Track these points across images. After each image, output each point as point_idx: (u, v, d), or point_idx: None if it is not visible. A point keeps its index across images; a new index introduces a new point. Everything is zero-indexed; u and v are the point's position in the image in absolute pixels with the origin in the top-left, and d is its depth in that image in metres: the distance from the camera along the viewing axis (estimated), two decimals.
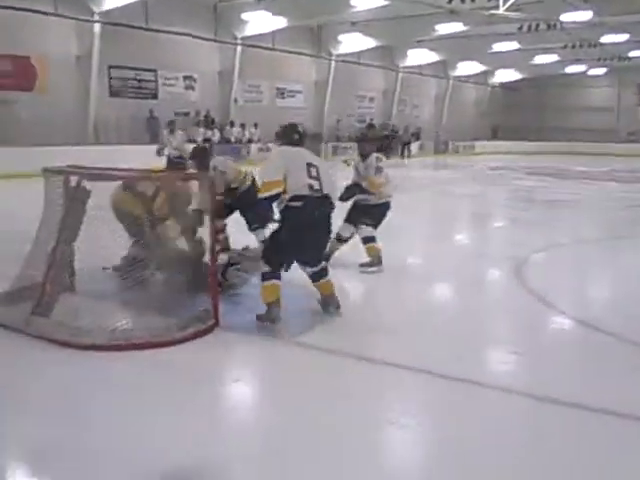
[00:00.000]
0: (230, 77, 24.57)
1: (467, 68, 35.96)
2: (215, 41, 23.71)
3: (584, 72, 36.83)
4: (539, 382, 3.98)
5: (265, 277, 4.87)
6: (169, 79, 22.70)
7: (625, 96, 38.35)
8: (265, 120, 24.87)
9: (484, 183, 18.73)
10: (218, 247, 5.25)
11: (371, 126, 7.54)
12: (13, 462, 3.05)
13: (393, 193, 6.92)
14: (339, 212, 5.40)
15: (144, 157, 11.17)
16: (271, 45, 25.30)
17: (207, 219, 4.92)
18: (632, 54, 30.05)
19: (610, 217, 11.84)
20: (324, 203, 4.93)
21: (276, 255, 4.89)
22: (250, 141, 24.50)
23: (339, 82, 29.15)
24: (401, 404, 3.72)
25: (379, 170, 6.64)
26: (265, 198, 4.81)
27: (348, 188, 6.70)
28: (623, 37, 25.82)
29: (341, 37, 27.37)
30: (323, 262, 5.18)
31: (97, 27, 19.51)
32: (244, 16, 22.90)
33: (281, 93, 27.51)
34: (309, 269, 5.09)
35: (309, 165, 4.92)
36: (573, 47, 26.74)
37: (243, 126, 24.63)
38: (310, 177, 4.87)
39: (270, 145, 22.74)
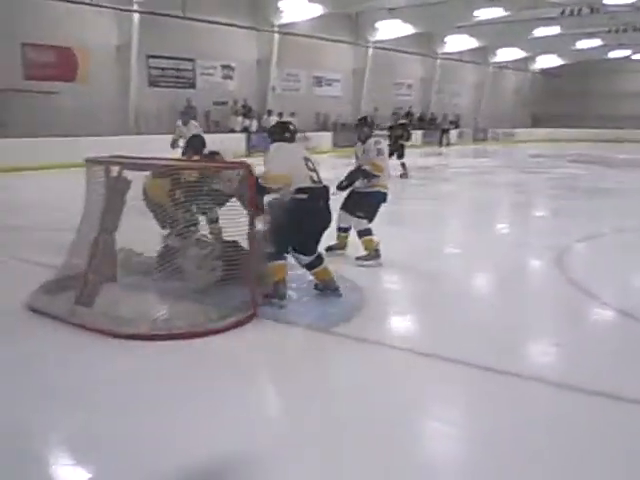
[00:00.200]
0: (268, 66, 24.58)
1: (507, 54, 35.38)
2: (253, 29, 23.74)
3: (628, 57, 35.94)
4: (581, 374, 3.91)
5: (271, 258, 5.03)
6: (207, 68, 22.81)
7: None
8: (302, 109, 24.89)
9: (524, 171, 18.44)
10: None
11: (364, 119, 7.50)
12: (55, 451, 3.10)
13: (388, 183, 6.68)
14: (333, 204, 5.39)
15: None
16: (308, 33, 25.24)
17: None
18: None
19: None
20: (326, 193, 5.13)
21: (282, 240, 5.03)
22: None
23: (377, 70, 28.96)
24: (439, 396, 3.69)
25: (380, 152, 6.49)
26: (264, 190, 4.98)
27: (351, 173, 6.55)
28: None
29: (379, 24, 27.15)
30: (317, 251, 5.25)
31: (136, 17, 19.69)
32: (281, 4, 22.88)
33: (318, 82, 27.45)
34: (305, 258, 5.17)
35: (306, 159, 5.15)
36: (617, 31, 26.13)
37: (280, 115, 24.63)
38: (309, 169, 5.09)
39: (308, 134, 22.74)
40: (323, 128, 26.66)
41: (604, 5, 21.81)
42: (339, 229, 6.68)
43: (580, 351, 4.38)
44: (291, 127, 5.42)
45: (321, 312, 4.98)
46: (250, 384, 3.78)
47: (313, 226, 5.11)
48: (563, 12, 22.74)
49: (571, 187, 14.48)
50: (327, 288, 5.29)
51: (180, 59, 21.84)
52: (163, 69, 21.49)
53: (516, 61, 37.19)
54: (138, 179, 5.19)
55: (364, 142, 6.60)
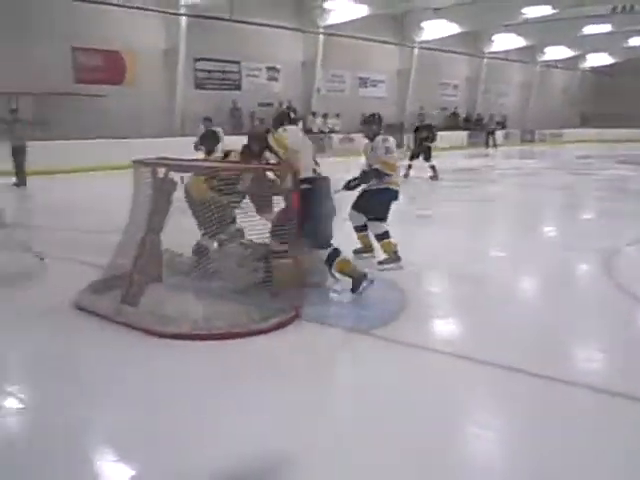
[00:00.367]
0: (313, 67, 24.69)
1: (555, 53, 34.78)
2: (298, 31, 23.86)
3: None
4: (627, 381, 3.81)
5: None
6: (252, 70, 23.02)
7: None
8: (347, 110, 24.91)
9: (571, 172, 18.09)
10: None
11: (373, 116, 7.42)
12: (100, 447, 3.16)
13: (399, 180, 6.57)
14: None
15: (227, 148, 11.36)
16: (353, 34, 25.24)
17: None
18: None
19: None
20: (328, 183, 5.26)
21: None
22: (332, 132, 24.55)
23: (422, 70, 28.80)
24: (481, 400, 3.65)
25: (388, 150, 6.34)
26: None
27: (364, 174, 6.44)
28: None
29: (424, 24, 27.00)
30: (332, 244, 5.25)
31: (183, 20, 19.99)
32: (327, 5, 22.93)
33: (364, 83, 27.45)
34: (322, 252, 5.20)
35: (314, 149, 5.38)
36: None
37: (325, 116, 24.72)
38: (315, 162, 5.26)
39: (351, 136, 22.74)
40: None
41: None
42: (355, 229, 6.57)
43: (627, 357, 4.27)
44: (291, 115, 5.65)
45: (362, 314, 4.98)
46: (290, 385, 3.79)
47: (320, 214, 5.12)
48: (614, 9, 22.24)
49: (620, 189, 14.15)
50: (356, 281, 5.19)
51: (226, 61, 22.10)
52: (209, 71, 21.78)
53: (565, 60, 36.51)
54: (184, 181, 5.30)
55: (372, 140, 6.51)
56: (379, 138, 6.42)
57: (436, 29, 27.05)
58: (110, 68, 18.92)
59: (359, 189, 6.49)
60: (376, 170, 6.33)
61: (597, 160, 21.90)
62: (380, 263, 6.34)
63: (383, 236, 6.36)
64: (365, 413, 3.40)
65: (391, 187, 6.41)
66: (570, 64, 38.03)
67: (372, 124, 6.57)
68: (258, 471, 2.89)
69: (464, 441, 3.22)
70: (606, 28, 27.53)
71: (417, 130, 15.71)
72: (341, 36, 24.74)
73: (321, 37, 24.37)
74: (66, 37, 17.65)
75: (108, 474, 2.87)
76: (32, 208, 11.79)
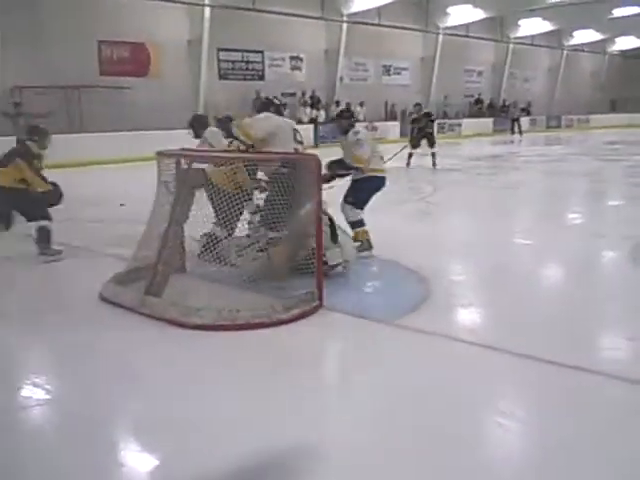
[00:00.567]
0: (336, 55, 24.57)
1: (583, 37, 34.19)
2: (321, 19, 23.75)
3: None
4: None
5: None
6: (275, 60, 22.99)
7: None
8: (370, 98, 24.81)
9: (599, 159, 17.81)
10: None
11: (342, 111, 7.44)
12: (124, 435, 3.20)
13: (382, 167, 6.43)
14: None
15: None
16: (377, 21, 25.06)
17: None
18: None
19: None
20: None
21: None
22: (356, 120, 24.44)
23: (446, 57, 28.52)
24: (509, 391, 3.62)
25: (358, 143, 6.25)
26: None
27: (331, 164, 6.36)
28: None
29: (449, 9, 26.72)
30: None
31: (207, 11, 20.02)
32: None
33: (387, 70, 27.25)
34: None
35: (295, 131, 5.66)
36: None
37: (348, 105, 24.60)
38: (296, 141, 5.55)
39: (375, 124, 22.64)
40: (392, 117, 26.46)
41: None
42: (351, 225, 6.37)
43: None
44: (275, 101, 6.03)
45: (386, 304, 4.97)
46: (314, 375, 3.80)
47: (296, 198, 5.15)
48: None
49: None
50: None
51: (249, 51, 22.10)
52: (233, 62, 21.79)
53: (592, 43, 35.86)
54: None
55: (345, 134, 6.43)
56: (351, 132, 6.39)
57: (461, 15, 26.76)
58: (135, 60, 19.03)
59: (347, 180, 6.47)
60: (341, 161, 6.36)
61: (626, 146, 21.53)
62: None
63: (358, 224, 6.31)
64: (390, 402, 3.39)
65: (376, 175, 6.36)
66: (598, 48, 37.36)
67: (342, 119, 6.60)
68: (282, 460, 2.91)
69: (489, 430, 3.20)
70: (636, 10, 26.97)
71: (414, 121, 15.62)
72: (364, 24, 24.58)
73: (344, 25, 24.23)
74: (92, 31, 17.77)
75: (133, 464, 2.90)
76: None
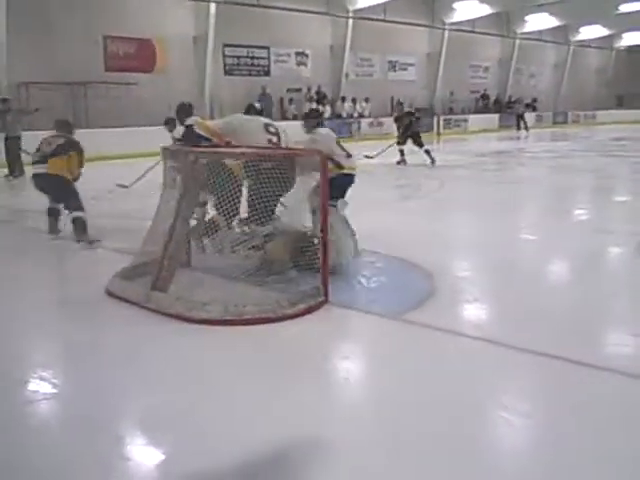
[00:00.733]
0: (341, 51, 24.53)
1: (590, 32, 34.03)
2: (327, 15, 23.71)
3: None
4: None
5: None
6: (281, 55, 22.97)
7: None
8: (376, 94, 24.77)
9: (605, 155, 17.74)
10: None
11: (309, 111, 7.49)
12: (130, 429, 3.21)
13: (351, 165, 6.19)
14: None
15: None
16: (383, 17, 25.00)
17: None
18: None
19: None
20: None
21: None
22: (361, 116, 24.43)
23: (452, 52, 28.45)
24: (513, 386, 3.61)
25: (313, 141, 6.00)
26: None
27: None
28: None
29: (455, 5, 26.66)
30: None
31: (213, 7, 20.00)
32: None
33: (393, 66, 27.19)
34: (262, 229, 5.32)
35: (267, 125, 5.80)
36: None
37: (354, 101, 24.59)
38: (269, 132, 5.68)
39: (381, 120, 22.60)
40: None
41: None
42: None
43: None
44: (256, 105, 6.49)
45: (392, 299, 4.96)
46: (321, 370, 3.80)
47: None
48: None
49: None
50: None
51: (255, 47, 22.08)
52: (238, 58, 21.78)
53: (599, 39, 35.71)
54: None
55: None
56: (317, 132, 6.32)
57: (467, 10, 26.68)
58: (141, 56, 19.04)
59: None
60: None
61: (632, 142, 21.44)
62: None
63: None
64: (393, 399, 3.39)
65: (344, 172, 6.17)
66: (604, 43, 37.20)
67: (309, 118, 6.53)
68: (287, 455, 2.91)
69: (494, 425, 3.21)
70: None
71: (397, 119, 15.48)
72: (370, 19, 24.53)
73: (350, 21, 24.19)
74: (97, 27, 17.79)
75: (139, 458, 2.92)
76: None
